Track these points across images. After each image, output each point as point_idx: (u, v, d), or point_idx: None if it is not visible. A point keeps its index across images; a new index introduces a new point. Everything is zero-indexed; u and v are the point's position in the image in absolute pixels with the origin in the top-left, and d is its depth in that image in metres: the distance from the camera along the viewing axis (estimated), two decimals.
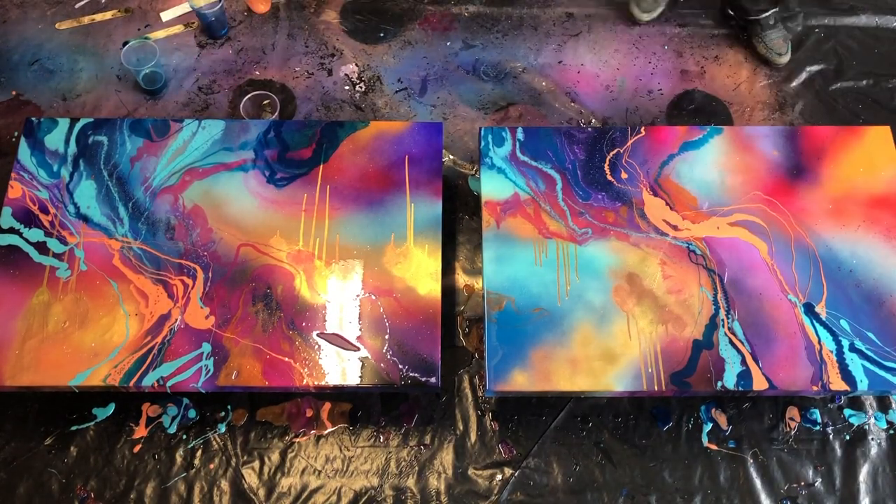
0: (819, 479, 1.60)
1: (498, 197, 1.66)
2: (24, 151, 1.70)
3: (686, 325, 1.52)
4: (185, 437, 1.62)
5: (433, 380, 1.49)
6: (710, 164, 1.70)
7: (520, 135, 1.73)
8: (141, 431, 1.62)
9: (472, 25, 2.20)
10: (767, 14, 2.04)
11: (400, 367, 1.49)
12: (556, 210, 1.64)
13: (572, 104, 2.06)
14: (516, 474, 1.60)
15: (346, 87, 2.08)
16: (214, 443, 1.61)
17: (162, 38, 2.14)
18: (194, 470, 1.59)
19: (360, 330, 1.53)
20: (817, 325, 1.52)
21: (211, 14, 2.06)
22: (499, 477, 1.60)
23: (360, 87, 2.08)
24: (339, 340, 1.52)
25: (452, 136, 2.00)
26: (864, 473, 1.61)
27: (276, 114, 1.99)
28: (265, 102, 2.01)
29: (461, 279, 1.80)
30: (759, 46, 2.07)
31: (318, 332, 1.52)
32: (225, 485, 1.58)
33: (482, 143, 1.72)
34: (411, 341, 1.52)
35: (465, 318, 1.75)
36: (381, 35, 2.17)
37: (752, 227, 1.63)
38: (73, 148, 1.71)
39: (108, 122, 1.75)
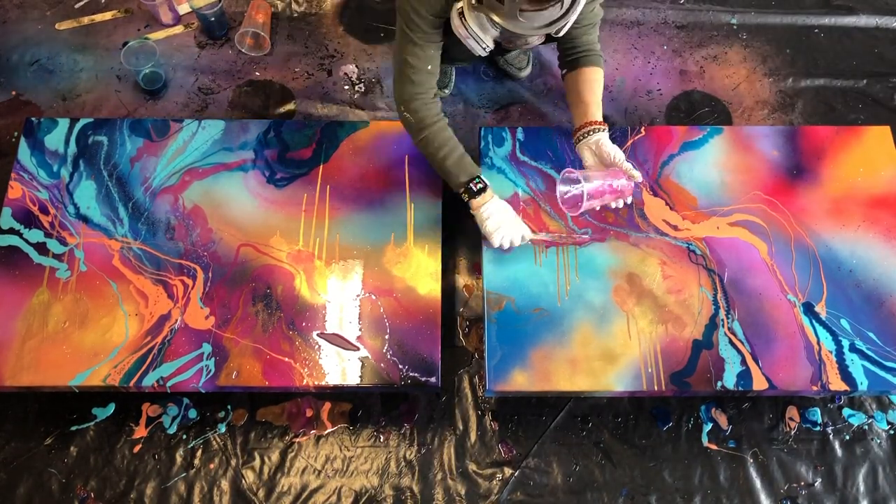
0: (819, 479, 1.60)
1: (498, 197, 1.65)
2: (24, 151, 1.70)
3: (686, 325, 1.52)
4: (185, 437, 1.61)
5: (433, 380, 1.49)
6: (710, 164, 1.70)
7: (520, 135, 1.73)
8: (141, 431, 1.61)
9: None
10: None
11: (400, 367, 1.49)
12: (556, 210, 1.64)
13: None
14: (516, 474, 1.60)
15: (346, 87, 2.08)
16: (214, 443, 1.61)
17: (162, 39, 2.13)
18: (194, 470, 1.59)
19: (360, 330, 1.53)
20: (817, 325, 1.52)
21: (211, 14, 2.06)
22: (499, 477, 1.60)
23: (360, 88, 2.08)
24: (339, 340, 1.52)
25: None
26: (864, 473, 1.61)
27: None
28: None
29: (461, 279, 1.80)
30: (499, 62, 2.01)
31: (318, 332, 1.52)
32: (225, 485, 1.58)
33: (482, 143, 1.72)
34: (411, 341, 1.52)
35: (465, 318, 1.75)
36: (382, 35, 2.17)
37: (752, 227, 1.63)
38: (73, 148, 1.71)
39: (108, 122, 1.75)
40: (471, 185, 1.49)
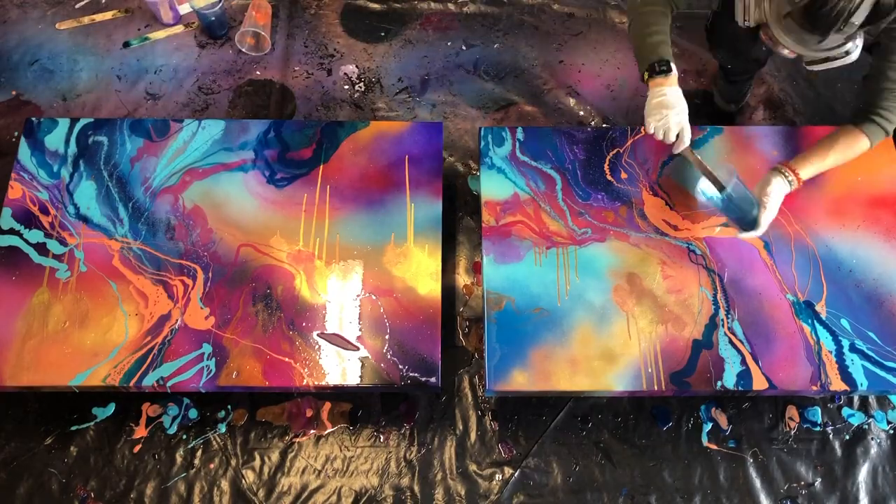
0: (819, 479, 1.60)
1: (498, 197, 1.66)
2: (24, 152, 1.70)
3: (686, 325, 1.52)
4: (185, 437, 1.62)
5: (433, 380, 1.49)
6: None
7: (520, 135, 1.73)
8: (141, 431, 1.62)
9: (472, 25, 2.20)
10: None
11: (400, 367, 1.49)
12: (556, 210, 1.64)
13: (573, 104, 2.06)
14: (516, 474, 1.60)
15: (346, 87, 2.08)
16: (214, 443, 1.61)
17: (162, 39, 2.14)
18: (194, 470, 1.59)
19: (361, 330, 1.53)
20: (817, 324, 1.52)
21: (211, 14, 2.06)
22: (499, 477, 1.60)
23: (360, 87, 2.08)
24: (339, 340, 1.52)
25: (452, 136, 2.00)
26: (864, 473, 1.61)
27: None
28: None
29: (461, 279, 1.80)
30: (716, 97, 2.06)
31: (318, 332, 1.52)
32: (225, 485, 1.58)
33: (482, 143, 1.72)
34: (411, 341, 1.52)
35: (465, 318, 1.75)
36: (382, 35, 2.17)
37: None
38: (73, 148, 1.71)
39: (108, 122, 1.75)
40: (656, 64, 1.46)
